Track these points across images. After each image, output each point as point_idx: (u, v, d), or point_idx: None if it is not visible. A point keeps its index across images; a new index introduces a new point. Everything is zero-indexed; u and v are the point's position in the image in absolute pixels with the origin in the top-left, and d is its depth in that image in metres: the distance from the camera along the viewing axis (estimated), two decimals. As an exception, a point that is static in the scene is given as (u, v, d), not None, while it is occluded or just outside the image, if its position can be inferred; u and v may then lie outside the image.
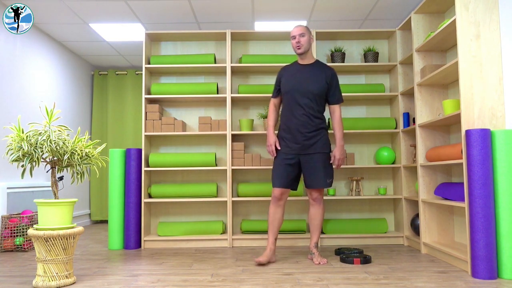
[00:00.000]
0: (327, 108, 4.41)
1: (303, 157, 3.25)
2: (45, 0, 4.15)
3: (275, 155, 3.32)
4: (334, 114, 3.31)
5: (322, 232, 4.16)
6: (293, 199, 4.05)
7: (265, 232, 4.11)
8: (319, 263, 3.17)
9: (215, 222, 4.15)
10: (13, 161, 2.64)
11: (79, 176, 2.81)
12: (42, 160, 2.70)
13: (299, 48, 3.28)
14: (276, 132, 4.23)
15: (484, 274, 2.67)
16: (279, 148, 3.29)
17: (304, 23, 4.75)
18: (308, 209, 3.37)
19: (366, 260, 3.16)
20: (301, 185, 4.13)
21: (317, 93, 3.23)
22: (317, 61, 3.35)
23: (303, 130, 3.22)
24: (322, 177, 3.21)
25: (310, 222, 3.34)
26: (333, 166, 3.22)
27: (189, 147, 4.41)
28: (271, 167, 4.07)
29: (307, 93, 3.23)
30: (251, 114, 4.44)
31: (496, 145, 2.73)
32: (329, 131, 4.18)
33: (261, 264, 3.20)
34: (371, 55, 4.30)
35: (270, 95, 4.15)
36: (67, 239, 2.59)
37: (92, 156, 2.85)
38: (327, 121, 4.30)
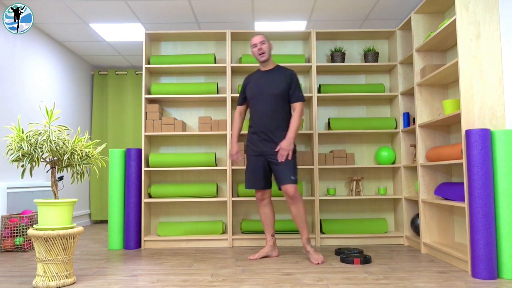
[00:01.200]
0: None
1: (269, 158, 3.36)
2: (45, 0, 4.15)
3: (237, 162, 3.50)
4: (294, 111, 3.36)
5: (322, 232, 4.16)
6: (293, 199, 4.05)
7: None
8: (318, 263, 3.18)
9: (215, 222, 4.15)
10: (13, 161, 2.64)
11: (79, 176, 2.81)
12: (42, 160, 2.71)
13: (262, 56, 3.39)
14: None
15: (484, 274, 2.67)
16: (239, 156, 3.49)
17: (304, 23, 4.75)
18: (289, 209, 3.42)
19: (366, 260, 3.16)
20: (301, 185, 4.13)
21: (279, 94, 3.34)
22: (277, 66, 3.47)
23: (267, 131, 3.35)
24: (286, 174, 3.27)
25: (295, 221, 3.37)
26: (278, 156, 3.28)
27: (189, 147, 4.41)
28: (271, 167, 4.08)
29: (269, 96, 3.35)
30: (251, 114, 4.44)
31: (496, 145, 2.73)
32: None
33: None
34: (371, 55, 4.30)
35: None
36: (67, 239, 2.59)
37: (92, 156, 2.85)
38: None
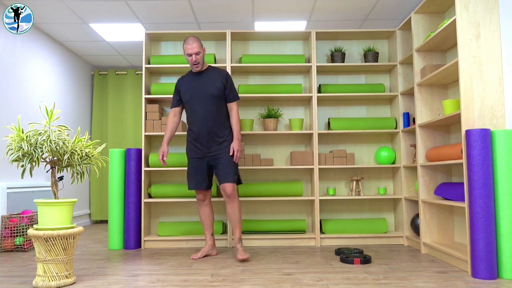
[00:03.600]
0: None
1: (212, 158, 3.41)
2: (45, 0, 4.15)
3: (164, 164, 3.49)
4: (232, 111, 3.45)
5: (322, 232, 4.16)
6: (293, 199, 4.05)
7: (265, 232, 4.11)
8: (243, 258, 3.25)
9: (215, 222, 4.15)
10: (13, 161, 2.64)
11: (79, 176, 2.81)
12: (42, 160, 2.71)
13: (197, 67, 3.41)
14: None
15: (484, 274, 2.67)
16: (165, 159, 3.48)
17: (304, 23, 4.75)
18: (226, 208, 3.47)
19: (366, 260, 3.16)
20: (301, 185, 4.13)
21: (217, 95, 3.39)
22: (210, 67, 3.51)
23: (211, 132, 3.39)
24: (228, 173, 3.36)
25: (229, 219, 3.44)
26: (234, 159, 3.39)
27: (189, 147, 4.41)
28: (272, 167, 4.07)
29: (208, 97, 3.39)
30: (251, 114, 4.44)
31: (496, 145, 2.73)
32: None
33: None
34: (371, 55, 4.30)
35: (270, 95, 4.15)
36: (67, 239, 2.59)
37: (92, 156, 2.85)
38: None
